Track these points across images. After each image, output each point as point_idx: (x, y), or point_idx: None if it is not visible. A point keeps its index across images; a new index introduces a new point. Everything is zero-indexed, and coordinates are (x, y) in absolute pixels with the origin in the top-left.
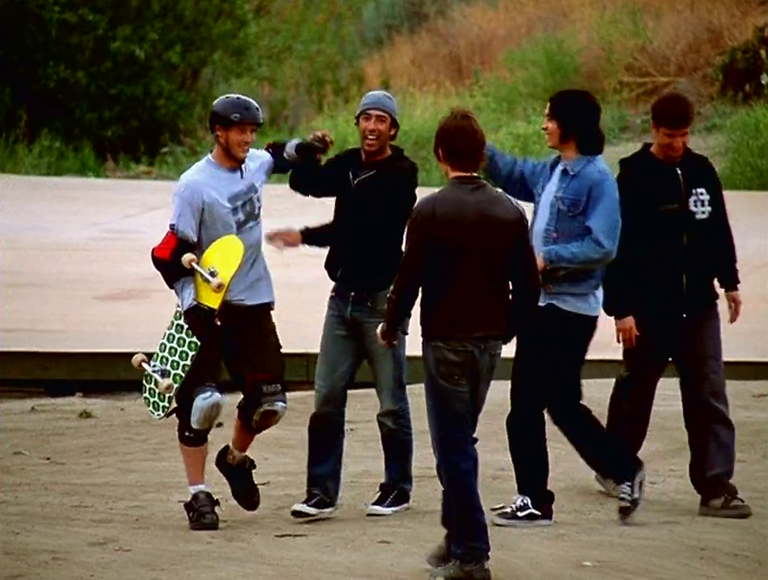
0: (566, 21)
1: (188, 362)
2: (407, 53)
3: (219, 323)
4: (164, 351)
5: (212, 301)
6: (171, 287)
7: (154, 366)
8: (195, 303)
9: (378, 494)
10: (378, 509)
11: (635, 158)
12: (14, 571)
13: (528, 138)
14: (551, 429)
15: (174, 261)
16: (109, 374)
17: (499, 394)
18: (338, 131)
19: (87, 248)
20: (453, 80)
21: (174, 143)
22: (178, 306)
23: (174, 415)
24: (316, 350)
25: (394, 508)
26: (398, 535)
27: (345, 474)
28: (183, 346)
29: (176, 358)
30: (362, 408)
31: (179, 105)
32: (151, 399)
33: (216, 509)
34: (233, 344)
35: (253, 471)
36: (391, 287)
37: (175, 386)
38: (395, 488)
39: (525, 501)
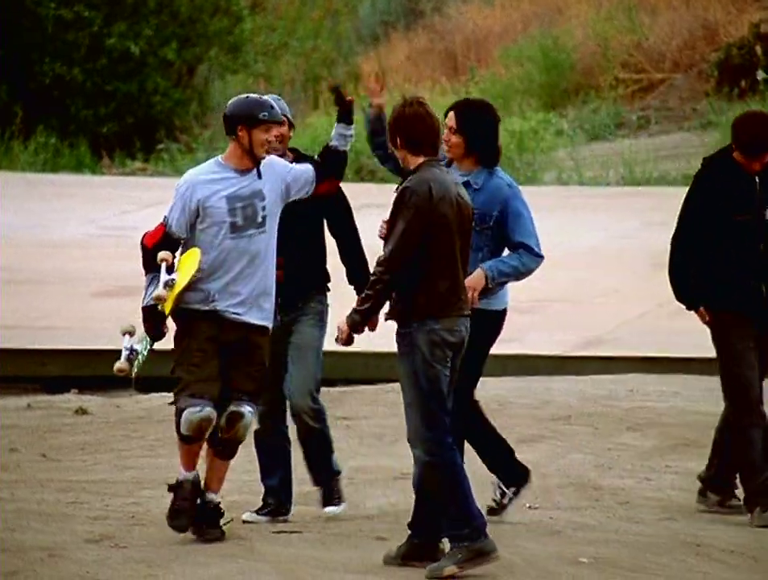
0: (562, 17)
1: (146, 351)
2: (403, 50)
3: (166, 330)
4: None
5: (165, 306)
6: (146, 274)
7: (127, 343)
8: (153, 302)
9: (322, 496)
10: (335, 510)
11: (716, 159)
12: (10, 568)
13: (524, 135)
14: (550, 427)
15: (154, 252)
16: (106, 371)
17: (496, 391)
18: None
19: (84, 245)
20: (449, 76)
21: (169, 140)
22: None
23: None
24: None
25: (341, 507)
26: (394, 531)
27: (346, 470)
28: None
29: (144, 342)
30: (358, 404)
31: (174, 101)
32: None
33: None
34: (224, 359)
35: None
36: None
37: (133, 369)
38: (331, 486)
39: (501, 489)
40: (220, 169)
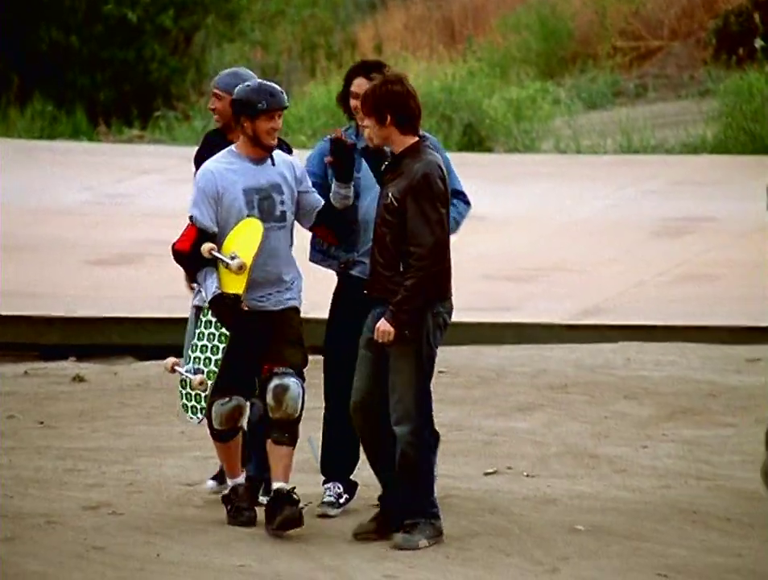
0: None
1: (220, 355)
2: (400, 18)
3: (246, 308)
4: (195, 351)
5: (236, 286)
6: (193, 281)
7: (186, 368)
8: (218, 292)
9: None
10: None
11: None
12: (7, 534)
13: (521, 103)
14: (547, 395)
15: (194, 252)
16: (103, 339)
17: (494, 359)
18: (331, 96)
19: (81, 212)
20: (446, 45)
21: (166, 108)
22: (202, 302)
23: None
24: (309, 314)
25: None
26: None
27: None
28: (214, 340)
29: (208, 354)
30: None
31: (171, 69)
32: (188, 404)
33: (262, 499)
34: (258, 350)
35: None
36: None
37: (209, 382)
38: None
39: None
40: (235, 158)
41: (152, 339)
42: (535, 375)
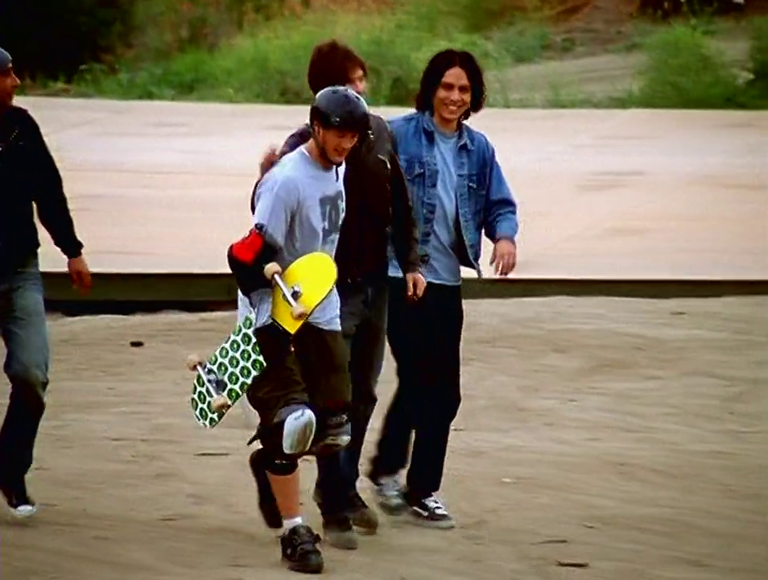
0: None
1: (249, 380)
2: None
3: (293, 350)
4: (225, 357)
5: (290, 325)
6: (245, 294)
7: (209, 373)
8: (270, 321)
9: (14, 495)
10: (31, 510)
11: None
12: None
13: None
14: (476, 349)
15: (256, 267)
16: None
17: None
18: (258, 49)
19: None
20: None
21: (93, 61)
22: (250, 313)
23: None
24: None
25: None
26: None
27: None
28: (247, 362)
29: (236, 370)
30: None
31: (98, 21)
32: (199, 405)
33: (318, 546)
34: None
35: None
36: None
37: (230, 403)
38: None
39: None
40: (310, 165)
41: (79, 296)
42: (464, 329)
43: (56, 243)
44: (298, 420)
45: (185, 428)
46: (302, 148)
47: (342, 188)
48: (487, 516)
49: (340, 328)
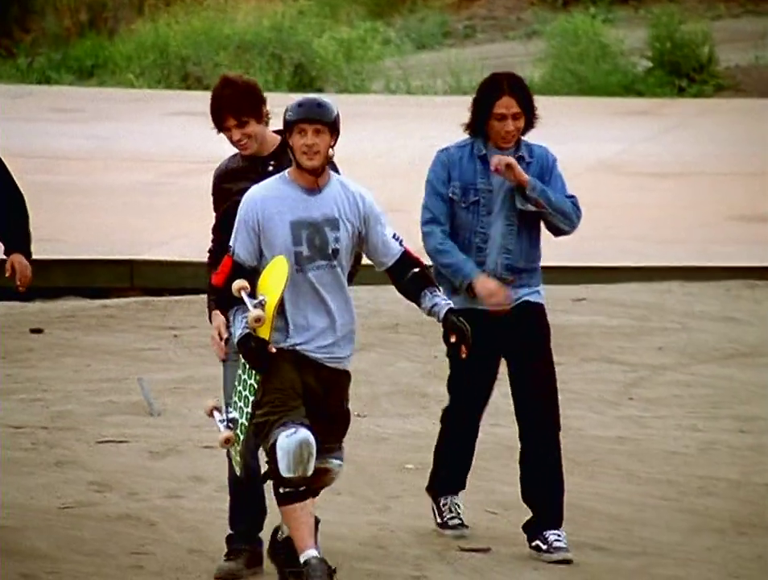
0: None
1: (250, 408)
2: None
3: (274, 350)
4: (235, 395)
5: (262, 331)
6: (225, 316)
7: (222, 416)
8: (246, 331)
9: None
10: None
11: None
12: None
13: (352, 44)
14: (379, 335)
15: (226, 288)
16: None
17: None
18: (159, 34)
19: None
20: None
21: None
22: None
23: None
24: (143, 256)
25: None
26: None
27: (170, 380)
28: (246, 389)
29: (241, 404)
30: (186, 314)
31: None
32: (232, 451)
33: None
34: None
35: None
36: None
37: (242, 437)
38: None
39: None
40: (284, 185)
41: None
42: (367, 316)
43: None
44: (290, 437)
45: (85, 416)
46: (285, 171)
47: (336, 215)
48: (390, 503)
49: (344, 369)
